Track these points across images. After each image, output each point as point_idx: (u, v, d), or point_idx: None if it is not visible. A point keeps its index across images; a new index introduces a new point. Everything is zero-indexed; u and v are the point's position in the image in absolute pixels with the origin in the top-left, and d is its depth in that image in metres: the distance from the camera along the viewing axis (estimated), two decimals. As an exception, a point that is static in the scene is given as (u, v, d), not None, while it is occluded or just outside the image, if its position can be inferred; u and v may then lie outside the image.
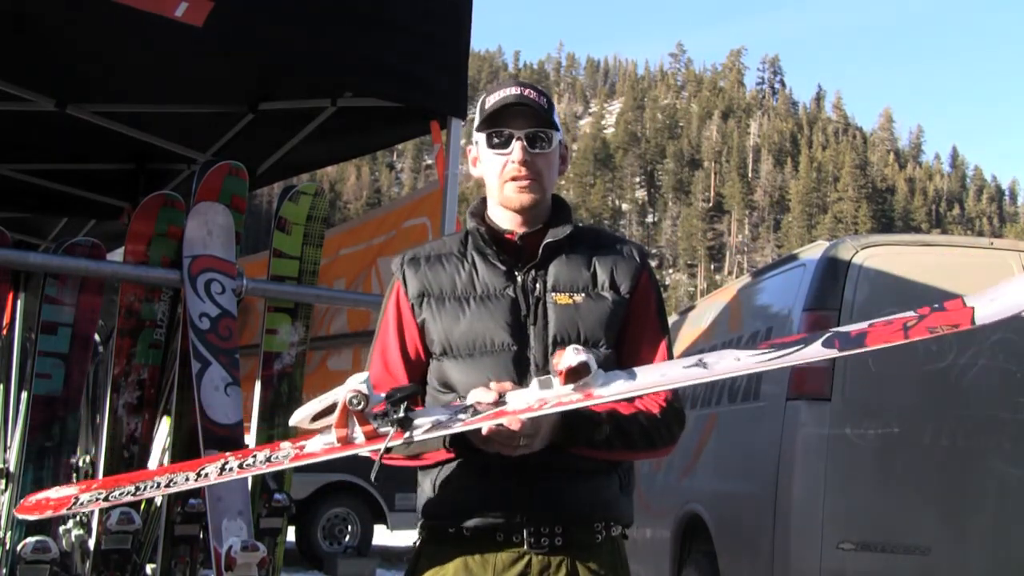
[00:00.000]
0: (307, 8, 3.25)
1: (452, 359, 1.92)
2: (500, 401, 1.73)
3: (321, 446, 1.78)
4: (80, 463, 3.54)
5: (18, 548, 2.85)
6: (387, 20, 3.43)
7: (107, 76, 4.31)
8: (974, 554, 3.90)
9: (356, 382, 1.68)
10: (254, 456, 1.89)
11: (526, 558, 1.86)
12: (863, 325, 1.74)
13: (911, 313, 1.74)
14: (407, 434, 1.71)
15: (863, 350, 1.71)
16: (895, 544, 3.88)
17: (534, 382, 1.72)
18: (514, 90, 1.97)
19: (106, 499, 1.97)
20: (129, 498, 1.95)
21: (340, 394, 1.69)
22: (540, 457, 1.83)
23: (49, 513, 1.99)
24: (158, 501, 3.18)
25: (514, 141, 1.94)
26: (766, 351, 1.75)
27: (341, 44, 3.31)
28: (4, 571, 2.92)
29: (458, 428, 1.72)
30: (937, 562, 3.86)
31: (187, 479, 1.91)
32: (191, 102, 4.53)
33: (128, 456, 3.12)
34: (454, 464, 1.88)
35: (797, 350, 1.73)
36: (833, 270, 4.16)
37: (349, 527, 10.03)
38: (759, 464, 4.25)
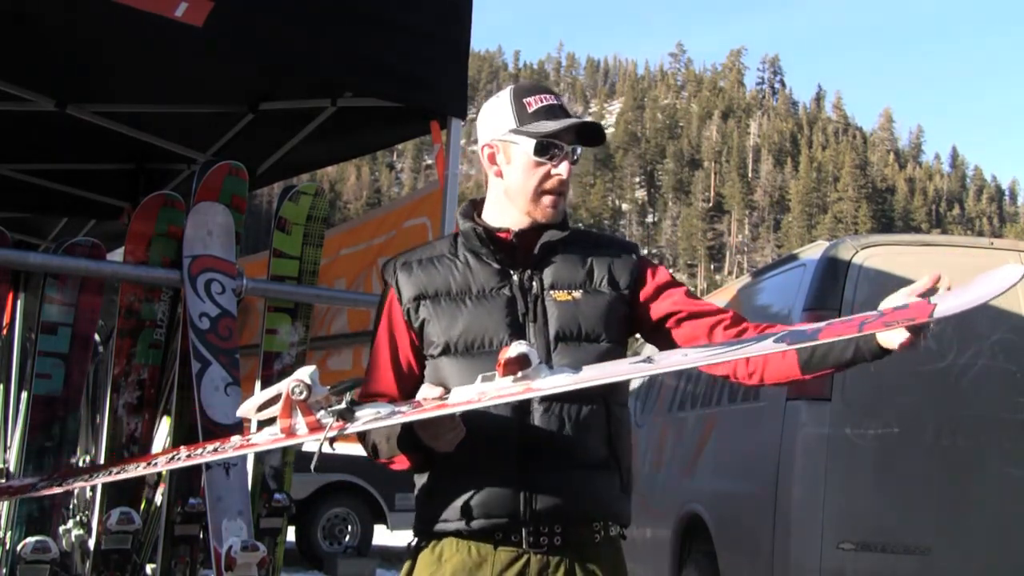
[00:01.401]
0: (307, 8, 3.25)
1: (451, 358, 1.92)
2: (444, 396, 1.75)
3: (266, 437, 1.81)
4: (80, 463, 3.54)
5: (18, 548, 2.85)
6: (387, 20, 3.43)
7: (107, 76, 4.31)
8: (974, 554, 3.90)
9: (301, 374, 1.71)
10: (203, 448, 1.95)
11: (525, 557, 1.87)
12: (820, 324, 1.72)
13: (873, 312, 1.73)
14: (347, 425, 1.73)
15: (816, 343, 1.70)
16: (895, 544, 3.88)
17: (479, 378, 1.73)
18: (554, 101, 1.98)
19: (60, 484, 2.02)
20: (82, 484, 1.99)
21: (284, 385, 1.72)
22: (539, 457, 1.83)
23: (5, 498, 2.04)
24: (158, 501, 3.18)
25: (561, 156, 1.96)
26: (718, 348, 1.77)
27: (341, 44, 3.31)
28: (4, 571, 2.92)
29: (397, 419, 1.74)
30: (937, 562, 3.86)
31: (137, 467, 1.97)
32: (191, 102, 4.53)
33: (128, 456, 3.11)
34: (452, 464, 1.89)
35: (749, 345, 1.74)
36: (833, 270, 4.16)
37: (349, 527, 10.03)
38: (759, 464, 4.25)
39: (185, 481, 3.10)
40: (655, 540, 5.26)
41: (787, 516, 3.97)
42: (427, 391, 1.77)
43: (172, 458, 2.00)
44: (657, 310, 2.00)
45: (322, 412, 1.73)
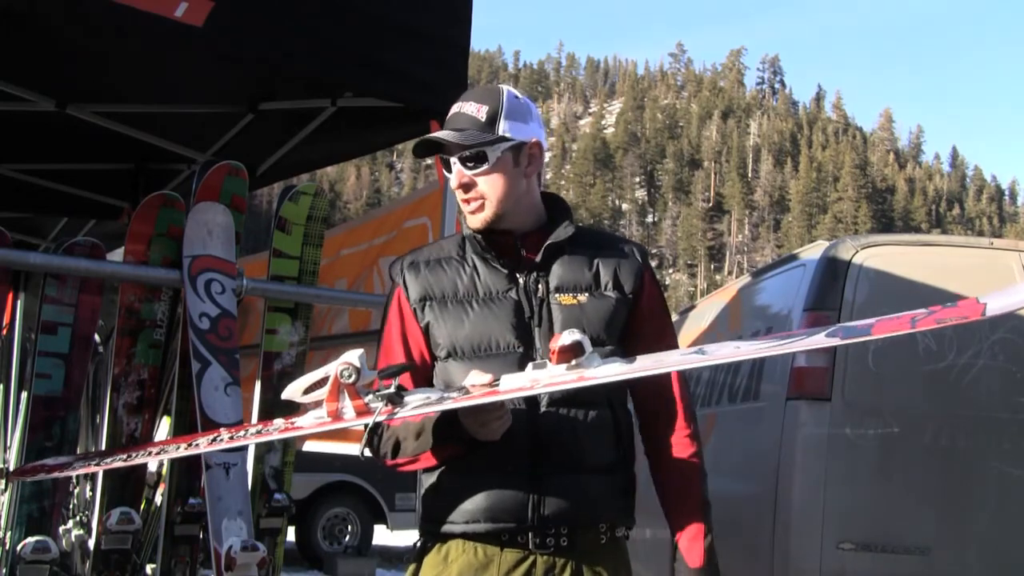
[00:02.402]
0: (307, 8, 3.25)
1: (458, 361, 1.92)
2: (494, 383, 1.73)
3: (312, 420, 1.78)
4: (80, 463, 3.54)
5: (18, 548, 2.84)
6: (387, 20, 3.43)
7: (107, 76, 4.31)
8: (974, 554, 3.90)
9: (350, 356, 1.69)
10: (245, 430, 1.91)
11: (531, 559, 1.87)
12: (871, 320, 1.73)
13: (922, 310, 1.72)
14: (396, 409, 1.70)
15: (869, 338, 1.69)
16: (895, 544, 3.88)
17: (529, 365, 1.72)
18: (454, 108, 1.97)
19: (97, 464, 1.99)
20: (120, 464, 1.96)
21: (332, 368, 1.69)
22: (548, 460, 1.83)
23: (42, 475, 2.00)
24: (158, 501, 3.18)
25: (453, 166, 1.95)
26: (768, 340, 1.75)
27: (341, 44, 3.31)
28: (4, 571, 2.92)
29: (448, 405, 1.71)
30: (937, 562, 3.86)
31: (178, 448, 1.93)
32: (191, 102, 4.53)
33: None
34: (459, 465, 1.88)
35: (800, 339, 1.75)
36: (833, 270, 4.15)
37: (349, 527, 10.04)
38: (759, 464, 4.25)
39: (185, 481, 3.10)
40: (655, 540, 5.25)
41: (787, 516, 3.96)
42: (476, 377, 1.74)
43: (214, 439, 1.95)
44: (632, 327, 2.00)
45: (370, 396, 1.70)
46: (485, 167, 1.92)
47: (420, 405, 1.71)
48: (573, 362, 1.65)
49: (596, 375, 1.66)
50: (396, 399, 1.70)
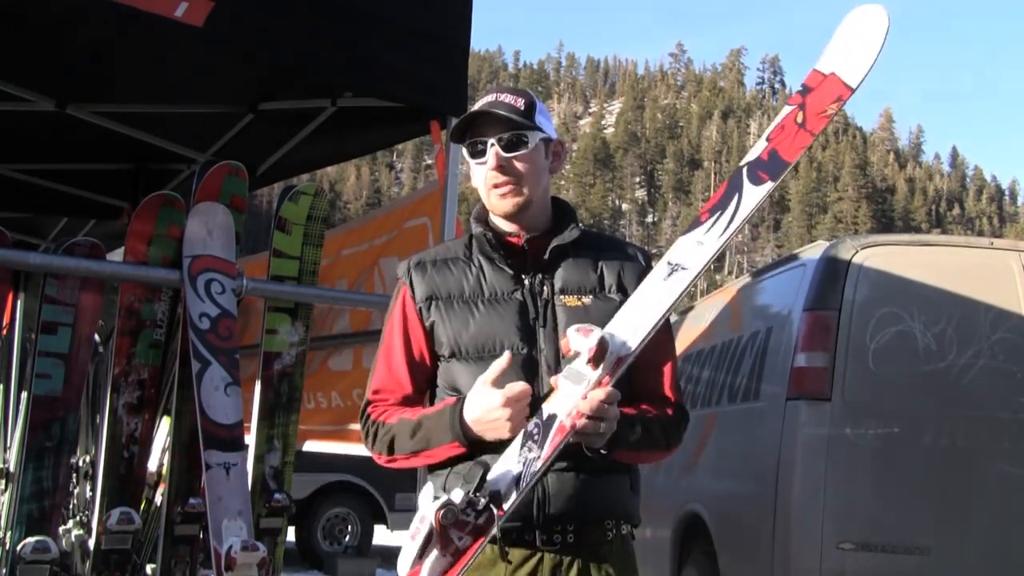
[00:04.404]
0: (307, 8, 3.25)
1: (461, 361, 1.93)
2: (536, 399, 1.78)
3: (440, 570, 1.70)
4: (80, 463, 3.54)
5: (18, 548, 2.84)
6: (387, 20, 3.42)
7: (107, 76, 4.30)
8: (974, 554, 3.90)
9: (432, 503, 1.66)
10: None
11: (538, 556, 1.88)
12: (762, 144, 1.89)
13: (788, 109, 1.90)
14: (506, 504, 1.70)
15: (788, 168, 1.87)
16: (895, 544, 3.88)
17: (560, 383, 1.74)
18: (489, 98, 1.99)
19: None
20: None
21: (425, 523, 1.65)
22: (554, 460, 1.83)
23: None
24: (158, 501, 3.18)
25: (489, 148, 1.96)
26: (711, 219, 1.85)
27: (341, 44, 3.31)
28: (4, 571, 2.92)
29: (540, 467, 1.73)
30: (937, 562, 3.86)
31: None
32: (191, 102, 4.53)
33: (128, 456, 3.11)
34: (466, 466, 1.89)
35: (737, 204, 1.85)
36: (833, 270, 4.15)
37: (349, 527, 10.03)
38: (759, 464, 4.25)
39: (185, 481, 3.10)
40: (655, 540, 5.26)
41: (787, 516, 3.97)
42: (514, 389, 1.77)
43: None
44: None
45: (472, 515, 1.69)
46: (524, 151, 1.95)
47: (515, 486, 1.71)
48: (608, 356, 1.70)
49: (625, 354, 1.73)
50: (497, 499, 1.69)
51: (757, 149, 1.90)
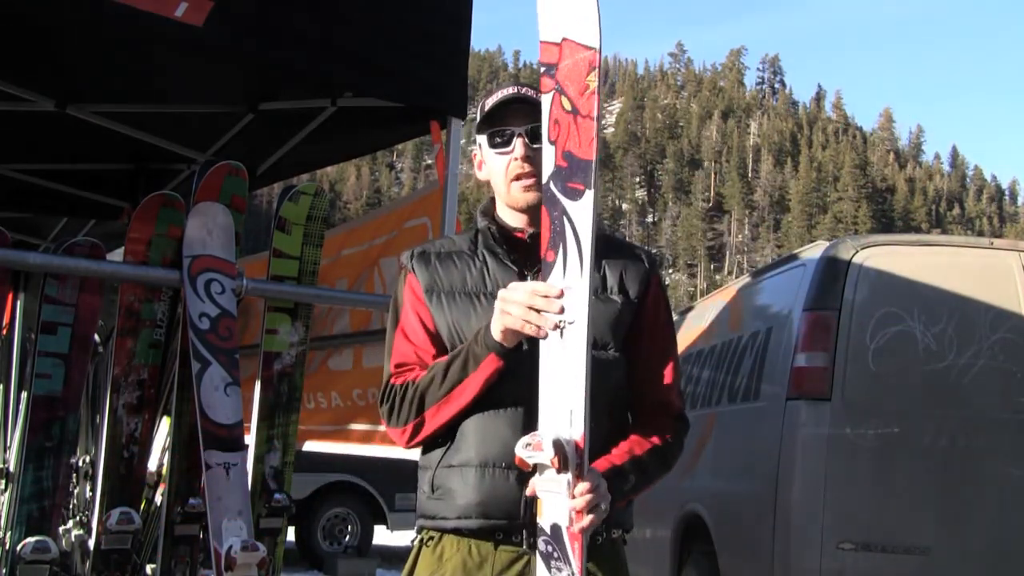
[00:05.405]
0: (307, 8, 3.25)
1: None
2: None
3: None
4: (80, 463, 3.54)
5: (18, 548, 2.84)
6: (387, 20, 3.43)
7: (107, 76, 4.30)
8: (974, 554, 3.90)
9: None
10: None
11: (525, 558, 1.86)
12: (549, 149, 1.79)
13: (548, 96, 1.79)
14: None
15: (592, 164, 1.71)
16: (895, 544, 3.89)
17: (542, 496, 1.74)
18: (511, 89, 1.98)
19: None
20: None
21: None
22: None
23: None
24: (158, 501, 3.18)
25: (515, 138, 1.95)
26: (558, 257, 1.75)
27: (341, 44, 3.31)
28: (4, 571, 2.92)
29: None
30: (937, 562, 3.86)
31: None
32: (191, 102, 4.53)
33: (128, 456, 3.11)
34: (453, 464, 1.89)
35: (572, 228, 1.74)
36: (833, 270, 4.16)
37: (349, 527, 10.03)
38: (759, 464, 4.26)
39: (185, 481, 3.10)
40: (655, 540, 5.26)
41: (787, 516, 3.97)
42: (547, 288, 1.76)
43: None
44: (635, 331, 2.00)
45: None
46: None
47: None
48: (570, 462, 1.69)
49: (574, 436, 1.70)
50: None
51: (549, 157, 1.78)
